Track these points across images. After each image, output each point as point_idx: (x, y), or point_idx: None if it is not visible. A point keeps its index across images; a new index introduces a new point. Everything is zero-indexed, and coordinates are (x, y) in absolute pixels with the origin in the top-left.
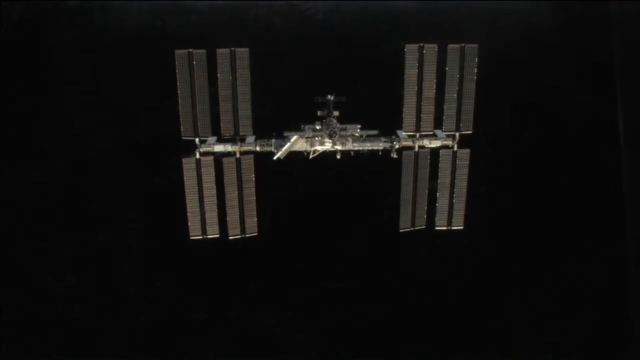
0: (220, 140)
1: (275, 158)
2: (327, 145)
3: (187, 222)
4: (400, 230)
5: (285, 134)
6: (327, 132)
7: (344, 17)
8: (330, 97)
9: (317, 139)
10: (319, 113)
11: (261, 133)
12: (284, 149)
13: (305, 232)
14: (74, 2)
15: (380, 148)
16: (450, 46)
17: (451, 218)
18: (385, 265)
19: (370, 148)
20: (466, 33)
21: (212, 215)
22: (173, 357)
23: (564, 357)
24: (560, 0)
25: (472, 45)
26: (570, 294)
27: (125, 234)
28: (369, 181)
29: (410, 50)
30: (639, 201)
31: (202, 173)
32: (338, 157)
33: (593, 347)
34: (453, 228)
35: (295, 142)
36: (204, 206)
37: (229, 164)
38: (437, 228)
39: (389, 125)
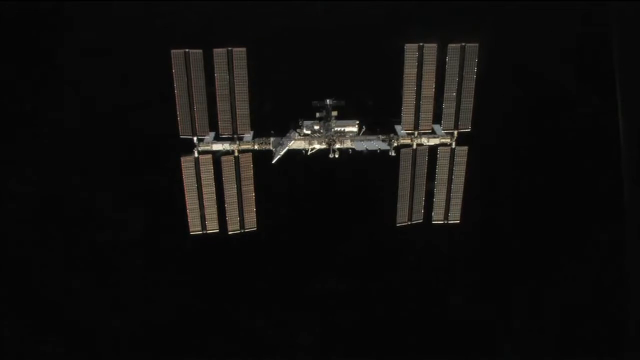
0: (219, 138)
1: (273, 162)
2: (325, 145)
3: (186, 219)
4: (397, 225)
5: (282, 140)
6: (326, 139)
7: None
8: (328, 102)
9: (314, 139)
10: (317, 115)
11: (260, 131)
12: (282, 152)
13: (303, 228)
14: (73, 2)
15: (378, 147)
16: (451, 45)
17: (448, 212)
18: (384, 261)
19: (368, 148)
20: (466, 32)
21: (211, 211)
22: (172, 356)
23: (562, 357)
24: (561, 0)
25: (472, 44)
26: (568, 292)
27: (125, 232)
28: (367, 178)
29: (410, 49)
30: (639, 201)
31: (201, 171)
32: (336, 156)
33: (592, 346)
34: (450, 222)
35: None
36: (203, 203)
37: (227, 162)
38: (434, 222)
39: (387, 123)
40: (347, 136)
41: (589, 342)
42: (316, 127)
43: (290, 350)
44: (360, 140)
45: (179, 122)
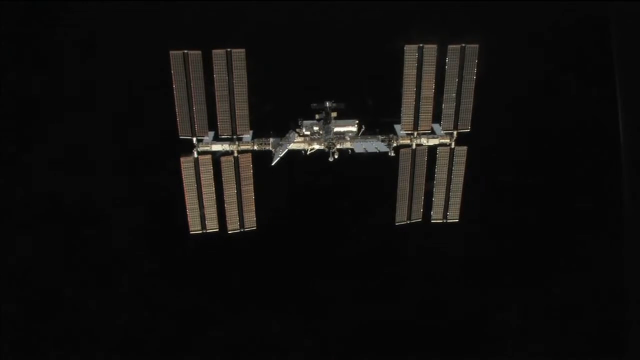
0: (218, 139)
1: (273, 164)
2: (325, 147)
3: (186, 219)
4: (397, 224)
5: (281, 140)
6: (326, 143)
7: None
8: (328, 104)
9: (314, 140)
10: (317, 116)
11: (259, 131)
12: (281, 154)
13: (303, 227)
14: (73, 2)
15: (377, 149)
16: (451, 46)
17: (447, 211)
18: (383, 260)
19: (367, 150)
20: (466, 33)
21: (211, 210)
22: (171, 356)
23: (562, 357)
24: (561, 0)
25: (472, 45)
26: (567, 292)
27: (124, 232)
28: (366, 178)
29: (410, 50)
30: (639, 201)
31: (201, 171)
32: (336, 156)
33: (592, 346)
34: (449, 221)
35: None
36: (203, 202)
37: (227, 163)
38: (432, 221)
39: (386, 123)
40: (346, 137)
41: (589, 343)
42: (315, 128)
43: (290, 350)
44: (360, 142)
45: (178, 123)
